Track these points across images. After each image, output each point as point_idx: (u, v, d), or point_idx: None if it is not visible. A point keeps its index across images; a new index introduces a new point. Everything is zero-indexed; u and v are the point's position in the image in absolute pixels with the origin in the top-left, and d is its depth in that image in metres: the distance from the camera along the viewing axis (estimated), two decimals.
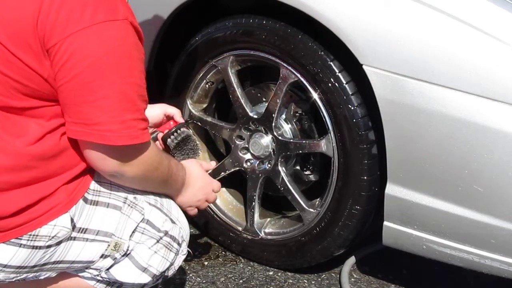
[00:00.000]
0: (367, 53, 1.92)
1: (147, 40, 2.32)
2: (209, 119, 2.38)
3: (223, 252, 2.45)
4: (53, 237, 1.57)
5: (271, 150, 2.26)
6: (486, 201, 1.89)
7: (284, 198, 2.31)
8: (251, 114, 2.26)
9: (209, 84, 2.35)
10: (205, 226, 2.48)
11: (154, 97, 2.16)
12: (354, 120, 2.04)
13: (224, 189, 2.48)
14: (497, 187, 1.87)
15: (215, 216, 2.43)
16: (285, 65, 2.13)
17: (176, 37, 2.37)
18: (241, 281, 2.31)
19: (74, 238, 1.62)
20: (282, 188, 2.27)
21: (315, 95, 2.09)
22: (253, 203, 2.33)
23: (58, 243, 1.60)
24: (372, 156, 2.06)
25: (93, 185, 1.64)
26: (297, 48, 2.08)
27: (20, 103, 1.54)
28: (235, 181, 2.47)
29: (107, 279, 1.71)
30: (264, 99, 2.33)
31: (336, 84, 2.04)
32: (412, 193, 1.98)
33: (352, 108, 2.03)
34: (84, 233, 1.63)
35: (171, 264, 1.75)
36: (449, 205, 1.94)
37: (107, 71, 1.48)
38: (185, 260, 2.37)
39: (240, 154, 2.33)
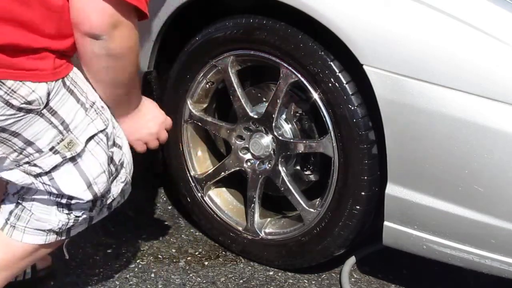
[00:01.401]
0: (367, 53, 1.92)
1: (147, 40, 2.32)
2: (209, 119, 2.38)
3: (223, 252, 2.45)
4: (27, 102, 1.59)
5: (272, 150, 2.26)
6: (486, 201, 1.89)
7: (284, 198, 2.31)
8: (251, 114, 2.26)
9: (209, 84, 2.35)
10: (205, 226, 2.48)
11: (154, 97, 2.16)
12: (354, 120, 2.04)
13: (224, 189, 2.48)
14: (497, 187, 1.87)
15: (215, 216, 2.43)
16: (285, 65, 2.13)
17: (176, 37, 2.37)
18: (241, 281, 2.31)
19: (42, 115, 1.64)
20: (282, 188, 2.27)
21: (315, 95, 2.09)
22: (253, 203, 2.33)
23: (27, 112, 1.61)
24: (372, 156, 2.06)
25: (72, 74, 1.67)
26: (297, 48, 2.08)
27: None
28: (235, 181, 2.47)
29: (52, 193, 1.71)
30: (264, 99, 2.33)
31: (336, 84, 2.04)
32: (412, 193, 1.98)
33: (352, 108, 2.03)
34: (52, 115, 1.65)
35: (109, 188, 1.76)
36: (449, 205, 1.94)
37: None
38: (185, 260, 2.38)
39: (240, 154, 2.33)
